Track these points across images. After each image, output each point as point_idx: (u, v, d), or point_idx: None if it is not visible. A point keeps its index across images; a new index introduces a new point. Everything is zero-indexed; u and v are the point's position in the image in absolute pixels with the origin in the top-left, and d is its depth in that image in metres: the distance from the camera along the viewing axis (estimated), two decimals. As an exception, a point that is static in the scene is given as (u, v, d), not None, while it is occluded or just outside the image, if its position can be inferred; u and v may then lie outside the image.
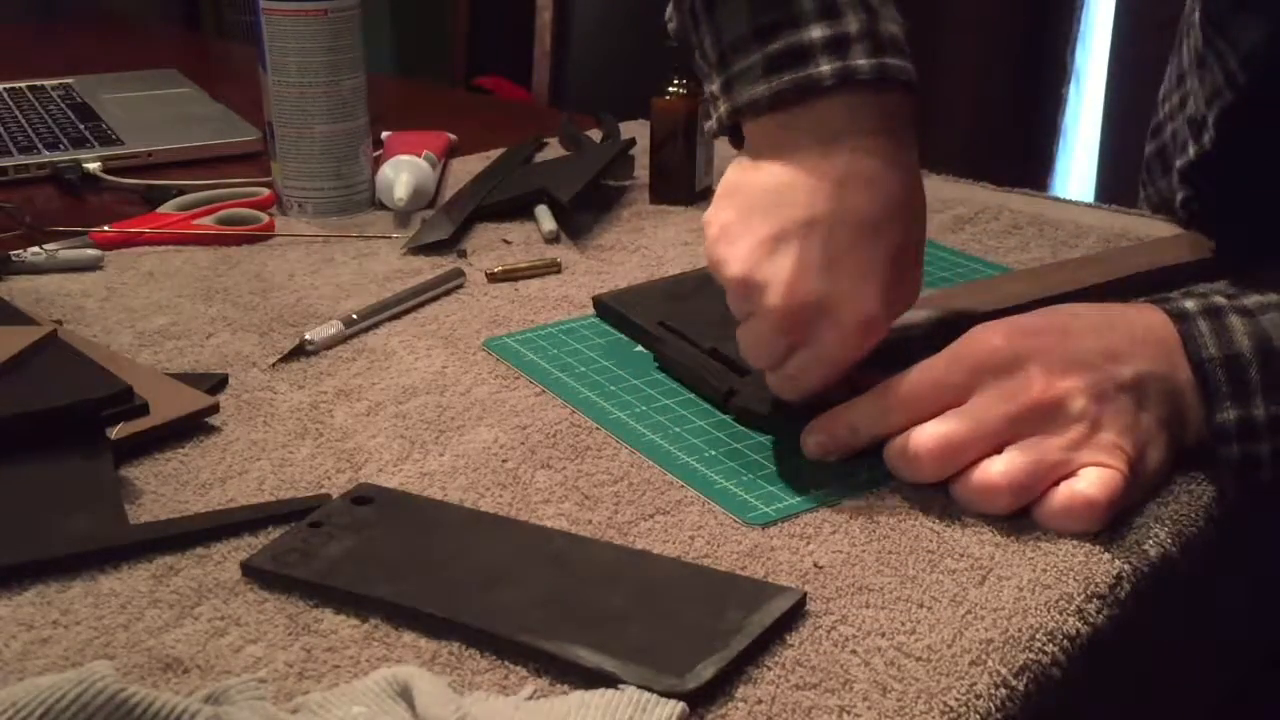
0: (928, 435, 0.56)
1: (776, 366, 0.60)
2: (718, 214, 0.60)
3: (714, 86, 0.61)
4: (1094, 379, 0.56)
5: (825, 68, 0.57)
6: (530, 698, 0.44)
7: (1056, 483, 0.54)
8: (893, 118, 0.58)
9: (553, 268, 0.86)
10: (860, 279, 0.57)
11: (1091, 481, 0.54)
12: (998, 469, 0.54)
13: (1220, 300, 0.59)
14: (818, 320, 0.57)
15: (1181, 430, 0.58)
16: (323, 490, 0.58)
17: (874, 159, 0.57)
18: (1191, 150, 0.81)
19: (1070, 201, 1.02)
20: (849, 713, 0.44)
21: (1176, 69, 0.89)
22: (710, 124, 0.62)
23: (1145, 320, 0.59)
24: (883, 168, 0.58)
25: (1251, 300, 0.59)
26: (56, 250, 0.85)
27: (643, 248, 0.90)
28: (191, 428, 0.63)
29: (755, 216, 0.58)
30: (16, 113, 1.22)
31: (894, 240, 0.58)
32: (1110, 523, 0.54)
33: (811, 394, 0.60)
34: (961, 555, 0.53)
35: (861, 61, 0.57)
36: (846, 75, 0.57)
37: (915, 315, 0.66)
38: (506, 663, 0.46)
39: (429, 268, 0.85)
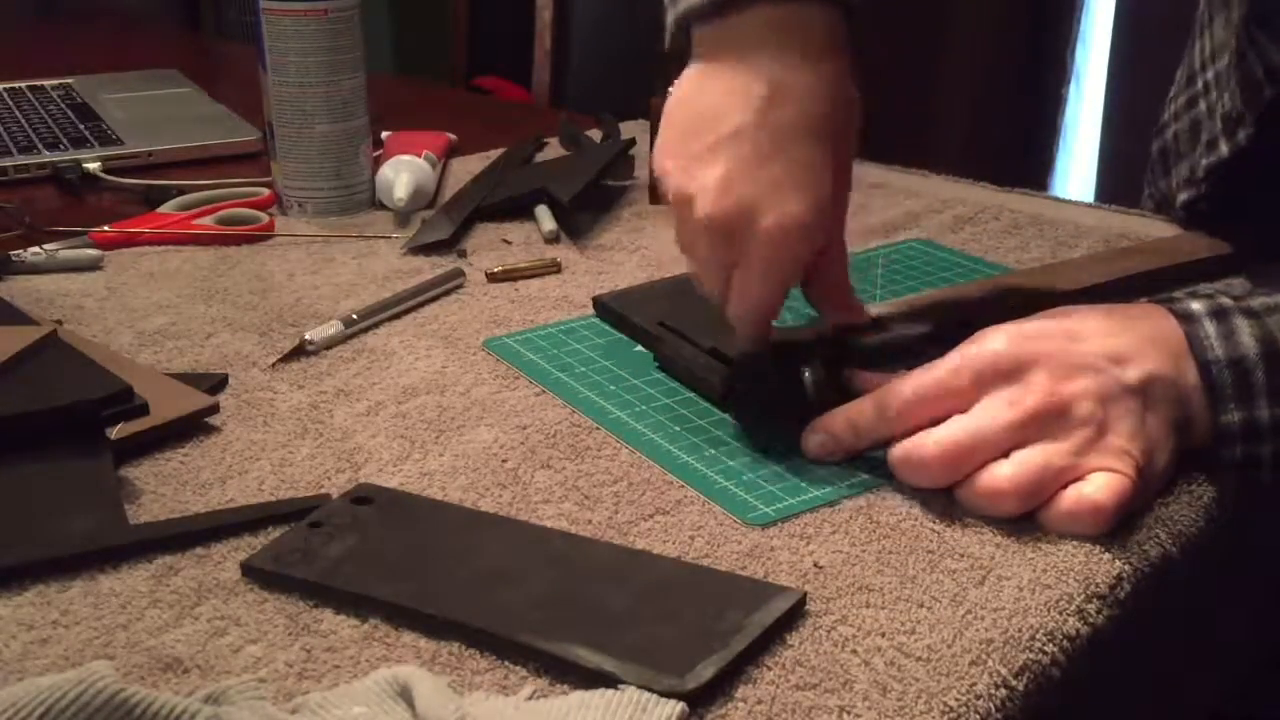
0: (933, 441, 0.56)
1: (724, 290, 0.60)
2: (662, 134, 0.62)
3: None
4: (1100, 382, 0.55)
5: None
6: (530, 698, 0.44)
7: (1064, 486, 0.54)
8: (828, 34, 0.60)
9: (553, 268, 0.86)
10: (783, 184, 0.58)
11: (1099, 486, 0.54)
12: (1005, 474, 0.54)
13: (1226, 302, 0.59)
14: (746, 228, 0.58)
15: (1187, 432, 0.58)
16: (323, 490, 0.58)
17: (801, 73, 0.59)
18: (1224, 147, 0.80)
19: (1070, 201, 1.02)
20: (849, 713, 0.44)
21: (1187, 69, 0.89)
22: (665, 45, 0.63)
23: (1151, 322, 0.59)
24: (811, 81, 0.59)
25: (1257, 302, 0.59)
26: (56, 250, 0.85)
27: (643, 248, 0.90)
28: (191, 428, 0.63)
29: (690, 134, 0.60)
30: (16, 113, 1.22)
31: (815, 150, 0.59)
32: (1116, 526, 0.54)
33: (761, 321, 0.61)
34: (961, 555, 0.53)
35: None
36: None
37: (916, 316, 0.66)
38: (506, 663, 0.46)
39: (429, 268, 0.85)
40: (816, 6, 0.59)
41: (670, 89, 0.96)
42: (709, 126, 0.59)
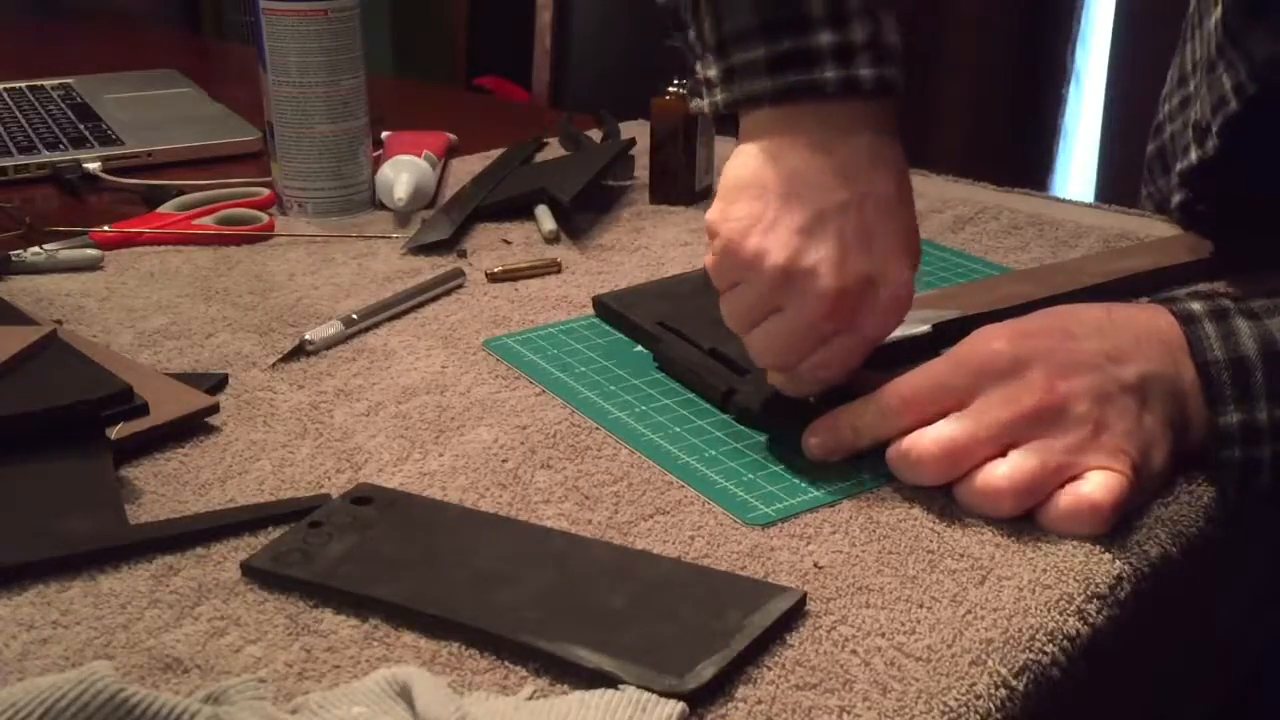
0: (931, 439, 0.56)
1: (805, 358, 0.60)
2: (736, 208, 0.59)
3: (710, 72, 0.61)
4: (1096, 381, 0.55)
5: (830, 75, 0.58)
6: (530, 698, 0.44)
7: (1061, 485, 0.54)
8: (885, 119, 0.60)
9: (553, 268, 0.86)
10: (893, 254, 0.59)
11: (1096, 485, 0.54)
12: (1001, 472, 0.54)
13: (1227, 303, 0.59)
14: (861, 299, 0.58)
15: (1185, 432, 0.58)
16: (323, 490, 0.58)
17: (890, 147, 0.60)
18: (1194, 155, 0.81)
19: (1070, 201, 1.02)
20: (849, 713, 0.44)
21: (1179, 70, 0.89)
22: (701, 104, 0.63)
23: (1149, 320, 0.59)
24: (897, 154, 0.60)
25: (1258, 304, 0.59)
26: (56, 250, 0.85)
27: (643, 248, 0.90)
28: (191, 428, 0.63)
29: (788, 204, 0.58)
30: (16, 113, 1.22)
31: (908, 220, 0.60)
32: (1114, 525, 0.54)
33: (833, 384, 0.61)
34: (961, 555, 0.53)
35: (865, 72, 0.59)
36: (850, 84, 0.58)
37: (916, 316, 0.66)
38: (506, 663, 0.46)
39: (429, 268, 0.85)
40: (884, 101, 0.60)
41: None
42: (812, 197, 0.58)
